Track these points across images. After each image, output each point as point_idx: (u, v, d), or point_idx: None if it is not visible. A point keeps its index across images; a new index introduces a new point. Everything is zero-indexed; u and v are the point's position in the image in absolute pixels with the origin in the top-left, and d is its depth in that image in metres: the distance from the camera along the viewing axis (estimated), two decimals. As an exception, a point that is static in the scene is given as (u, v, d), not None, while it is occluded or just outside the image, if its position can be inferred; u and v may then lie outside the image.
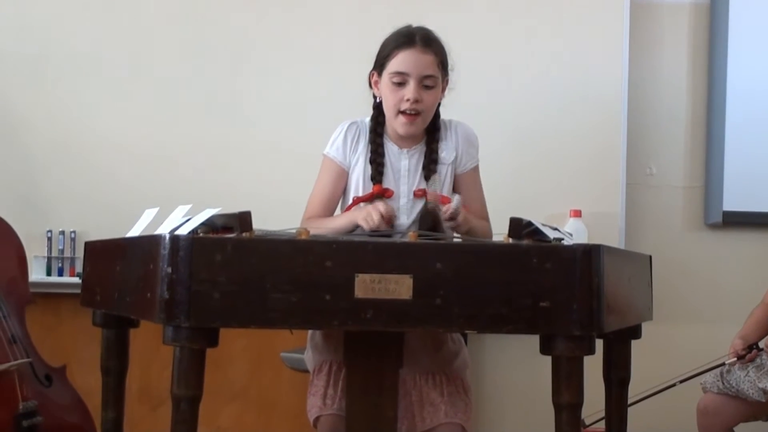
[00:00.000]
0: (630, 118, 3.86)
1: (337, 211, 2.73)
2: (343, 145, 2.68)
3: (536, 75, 3.82)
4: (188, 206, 2.11)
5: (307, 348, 2.67)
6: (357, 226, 2.53)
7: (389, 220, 2.50)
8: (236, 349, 3.78)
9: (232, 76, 3.81)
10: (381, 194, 2.61)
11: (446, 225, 2.48)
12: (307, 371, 2.68)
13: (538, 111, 3.81)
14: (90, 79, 3.79)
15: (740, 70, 3.89)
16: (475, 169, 2.74)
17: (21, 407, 3.01)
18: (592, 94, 3.81)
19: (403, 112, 2.59)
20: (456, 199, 2.49)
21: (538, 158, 3.80)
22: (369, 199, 2.60)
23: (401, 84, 2.58)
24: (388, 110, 2.62)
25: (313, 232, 2.06)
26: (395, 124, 2.62)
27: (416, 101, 2.57)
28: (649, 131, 3.99)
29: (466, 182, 2.72)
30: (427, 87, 2.59)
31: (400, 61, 2.58)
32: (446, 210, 2.46)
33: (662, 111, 4.01)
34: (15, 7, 3.80)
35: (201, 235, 1.99)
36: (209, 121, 3.79)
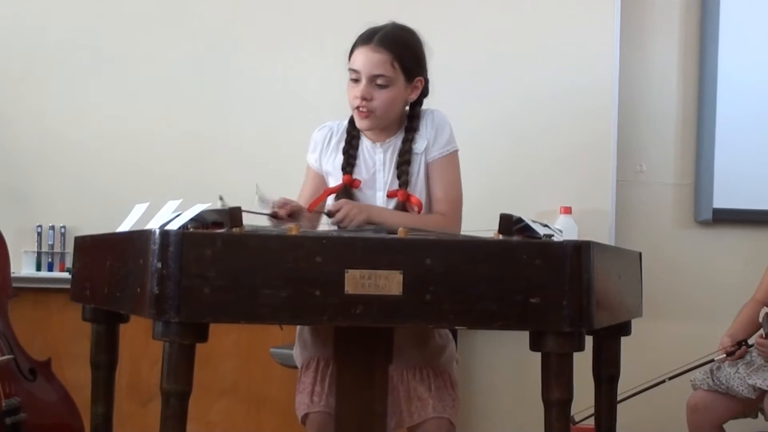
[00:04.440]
0: (620, 114, 3.86)
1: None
2: (315, 150, 2.71)
3: (526, 71, 3.82)
4: (178, 201, 2.10)
5: (295, 344, 2.67)
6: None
7: (288, 208, 2.46)
8: (226, 345, 3.77)
9: (222, 73, 3.81)
10: (350, 185, 2.61)
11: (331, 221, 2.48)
12: (296, 367, 2.68)
13: (528, 107, 3.81)
14: (80, 74, 3.78)
15: (731, 67, 3.90)
16: (447, 157, 2.65)
17: (4, 405, 3.00)
18: (583, 90, 3.81)
19: (357, 108, 2.59)
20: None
21: (529, 155, 3.80)
22: (339, 189, 2.60)
23: (356, 81, 2.58)
24: (349, 105, 2.63)
25: None
26: (354, 117, 2.63)
27: (364, 99, 2.56)
28: (640, 128, 4.00)
29: (434, 171, 2.66)
30: (380, 86, 2.57)
31: (354, 59, 2.60)
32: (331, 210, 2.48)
33: (653, 108, 4.01)
34: (6, 2, 3.79)
35: (191, 230, 1.98)
36: (200, 117, 3.79)
